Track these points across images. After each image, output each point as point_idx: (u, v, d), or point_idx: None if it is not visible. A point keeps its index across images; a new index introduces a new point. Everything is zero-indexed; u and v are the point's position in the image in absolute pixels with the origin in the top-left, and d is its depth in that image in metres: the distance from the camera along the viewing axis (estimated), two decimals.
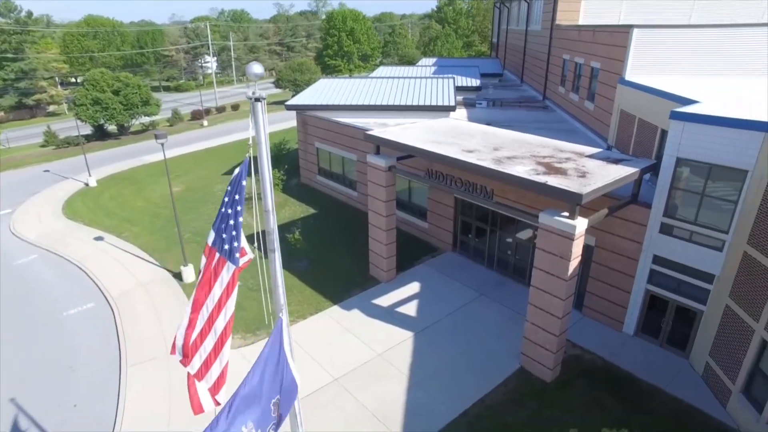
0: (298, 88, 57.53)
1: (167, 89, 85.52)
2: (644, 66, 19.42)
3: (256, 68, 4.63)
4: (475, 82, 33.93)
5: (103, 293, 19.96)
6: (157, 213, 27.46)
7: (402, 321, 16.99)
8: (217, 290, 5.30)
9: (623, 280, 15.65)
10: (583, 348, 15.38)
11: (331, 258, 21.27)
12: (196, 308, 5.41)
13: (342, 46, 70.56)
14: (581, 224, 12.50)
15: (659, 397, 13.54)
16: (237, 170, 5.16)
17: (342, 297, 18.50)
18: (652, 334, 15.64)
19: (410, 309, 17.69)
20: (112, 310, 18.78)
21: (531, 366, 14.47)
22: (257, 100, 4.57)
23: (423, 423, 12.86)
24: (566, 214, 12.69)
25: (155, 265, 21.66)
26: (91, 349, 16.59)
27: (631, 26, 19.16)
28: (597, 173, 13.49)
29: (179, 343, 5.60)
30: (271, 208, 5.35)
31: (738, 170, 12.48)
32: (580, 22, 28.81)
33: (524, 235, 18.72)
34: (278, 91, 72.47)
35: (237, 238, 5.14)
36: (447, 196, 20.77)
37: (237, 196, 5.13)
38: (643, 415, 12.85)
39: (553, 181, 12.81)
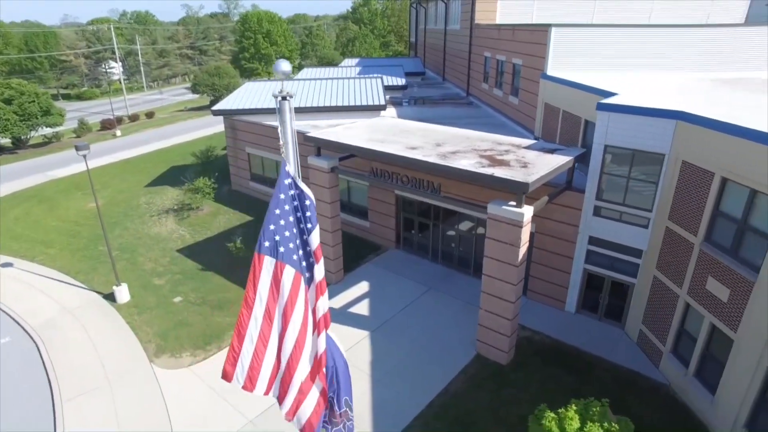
0: (217, 93, 55.34)
1: (67, 97, 78.72)
2: (564, 62, 20.82)
3: (285, 66, 4.52)
4: (401, 81, 34.55)
5: (20, 324, 18.06)
6: (76, 232, 25.28)
7: (356, 321, 16.99)
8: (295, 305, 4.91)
9: (563, 262, 16.73)
10: (532, 329, 16.25)
11: None
12: (264, 334, 4.89)
13: (259, 49, 68.81)
14: (528, 212, 13.20)
15: (603, 366, 14.65)
16: (282, 177, 4.86)
17: None
18: (592, 310, 16.87)
19: (362, 308, 17.73)
20: (34, 341, 17.06)
21: (487, 351, 15.06)
22: (284, 98, 4.46)
23: (391, 418, 12.97)
24: (513, 203, 13.34)
25: (82, 288, 19.95)
26: (14, 389, 14.94)
27: (549, 25, 20.46)
28: (537, 163, 14.30)
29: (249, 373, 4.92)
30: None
31: (656, 154, 13.80)
32: (498, 21, 30.30)
33: (466, 227, 19.41)
34: (194, 96, 69.29)
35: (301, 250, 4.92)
36: (388, 194, 21.02)
37: (296, 203, 4.87)
38: (592, 384, 13.83)
39: (499, 172, 13.42)
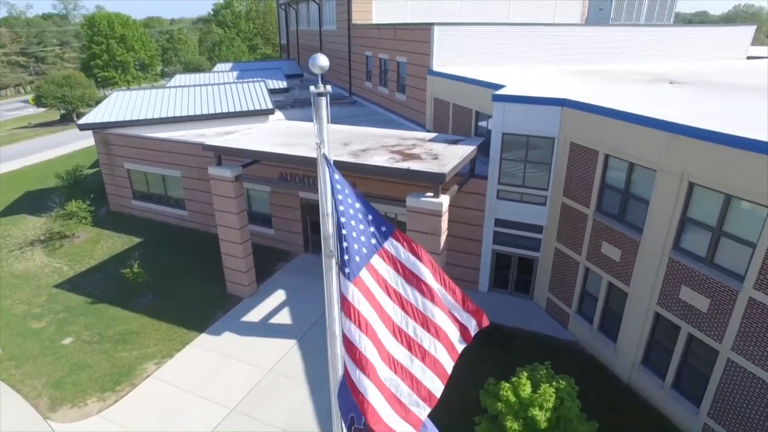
0: (70, 105, 49.14)
1: None
2: (447, 58, 22.08)
3: (323, 60, 4.22)
4: (283, 84, 33.88)
5: None
6: None
7: (280, 331, 16.40)
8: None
9: (473, 246, 17.79)
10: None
11: (180, 286, 19.18)
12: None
13: (114, 55, 62.33)
14: (445, 201, 13.83)
15: (522, 336, 15.92)
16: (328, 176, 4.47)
17: (207, 323, 16.92)
18: (503, 287, 18.19)
19: (284, 317, 17.16)
20: None
21: None
22: (320, 95, 4.16)
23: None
24: (430, 194, 13.88)
25: None
26: None
27: (432, 24, 21.53)
28: (446, 154, 15.02)
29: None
30: (330, 211, 4.84)
31: (547, 138, 15.31)
32: (374, 21, 31.09)
33: None
34: (39, 110, 60.81)
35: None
36: (292, 198, 20.54)
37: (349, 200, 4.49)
38: (516, 354, 14.95)
39: (414, 165, 13.86)
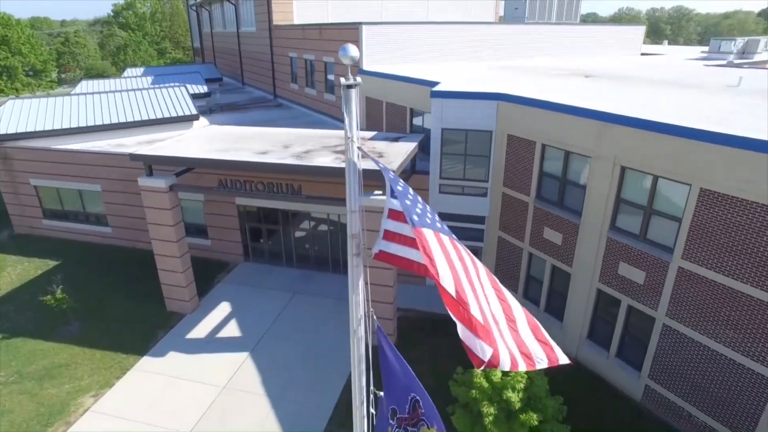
0: None
1: None
2: (377, 57, 22.24)
3: (353, 51, 3.96)
4: (204, 89, 32.37)
5: None
6: None
7: (230, 344, 15.67)
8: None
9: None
10: (404, 308, 17.22)
11: (112, 308, 17.71)
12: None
13: None
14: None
15: None
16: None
17: (148, 345, 15.78)
18: None
19: (232, 330, 16.42)
20: None
21: (374, 339, 15.44)
22: (350, 87, 3.93)
23: (306, 429, 12.47)
24: (379, 192, 13.90)
25: None
26: None
27: (359, 23, 21.57)
28: (390, 152, 15.12)
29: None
30: (358, 208, 4.54)
31: (485, 131, 15.90)
32: (295, 21, 30.62)
33: (318, 226, 19.43)
34: None
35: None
36: (229, 206, 19.70)
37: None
38: None
39: (362, 164, 13.78)
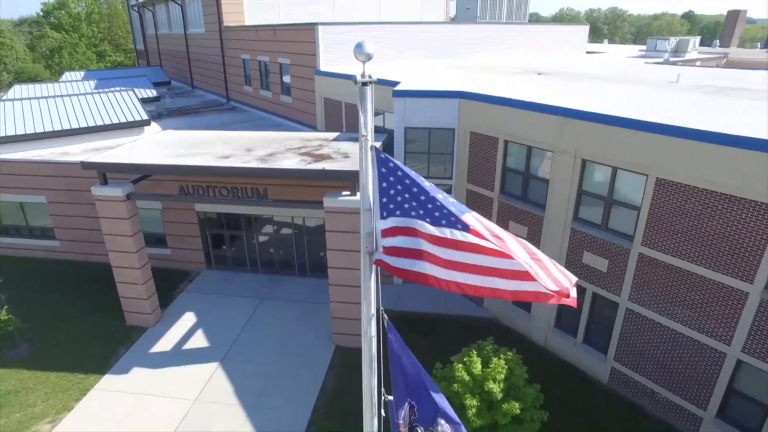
0: None
1: None
2: (334, 57, 22.14)
3: (369, 48, 3.82)
4: (152, 93, 31.15)
5: None
6: None
7: (199, 356, 15.17)
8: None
9: None
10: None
11: (65, 327, 16.72)
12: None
13: None
14: None
15: (444, 320, 16.65)
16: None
17: (109, 363, 15.01)
18: None
19: (200, 340, 15.90)
20: None
21: (346, 341, 15.40)
22: (365, 84, 3.80)
23: None
24: (347, 193, 13.86)
25: None
26: None
27: (315, 24, 21.41)
28: (355, 152, 15.08)
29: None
30: (371, 206, 4.48)
31: (448, 129, 16.16)
32: (246, 23, 30.00)
33: (282, 229, 19.12)
34: None
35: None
36: (188, 213, 19.06)
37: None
38: (442, 337, 15.63)
39: (329, 165, 13.72)
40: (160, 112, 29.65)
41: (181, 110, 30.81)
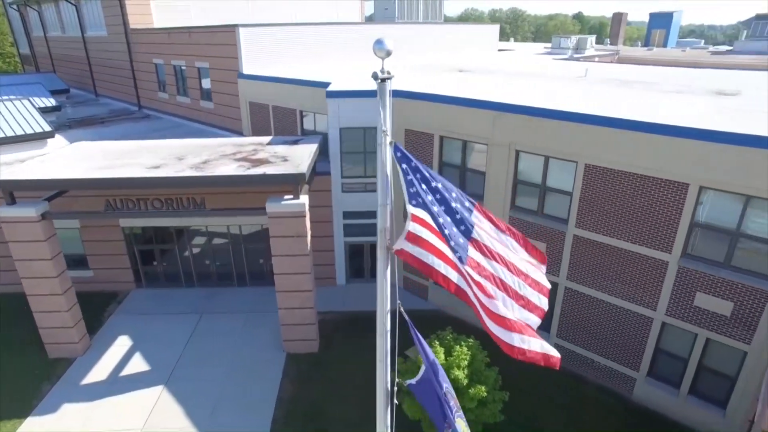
0: None
1: None
2: (257, 59, 21.57)
3: (390, 45, 3.67)
4: (51, 101, 28.38)
5: None
6: None
7: (140, 381, 14.17)
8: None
9: (326, 242, 17.99)
10: (320, 311, 17.00)
11: None
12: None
13: None
14: (306, 200, 13.73)
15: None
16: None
17: (31, 403, 13.52)
18: (359, 276, 18.86)
19: (139, 364, 14.85)
20: None
21: (297, 347, 15.12)
22: (383, 80, 3.67)
23: None
24: (290, 196, 13.61)
25: None
26: None
27: (236, 26, 20.72)
28: (293, 155, 14.84)
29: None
30: (389, 201, 4.62)
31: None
32: (156, 25, 28.35)
33: (218, 240, 18.35)
34: None
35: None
36: (112, 230, 17.70)
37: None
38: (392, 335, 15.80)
39: (270, 170, 13.38)
40: (62, 123, 27.16)
41: (86, 120, 28.40)
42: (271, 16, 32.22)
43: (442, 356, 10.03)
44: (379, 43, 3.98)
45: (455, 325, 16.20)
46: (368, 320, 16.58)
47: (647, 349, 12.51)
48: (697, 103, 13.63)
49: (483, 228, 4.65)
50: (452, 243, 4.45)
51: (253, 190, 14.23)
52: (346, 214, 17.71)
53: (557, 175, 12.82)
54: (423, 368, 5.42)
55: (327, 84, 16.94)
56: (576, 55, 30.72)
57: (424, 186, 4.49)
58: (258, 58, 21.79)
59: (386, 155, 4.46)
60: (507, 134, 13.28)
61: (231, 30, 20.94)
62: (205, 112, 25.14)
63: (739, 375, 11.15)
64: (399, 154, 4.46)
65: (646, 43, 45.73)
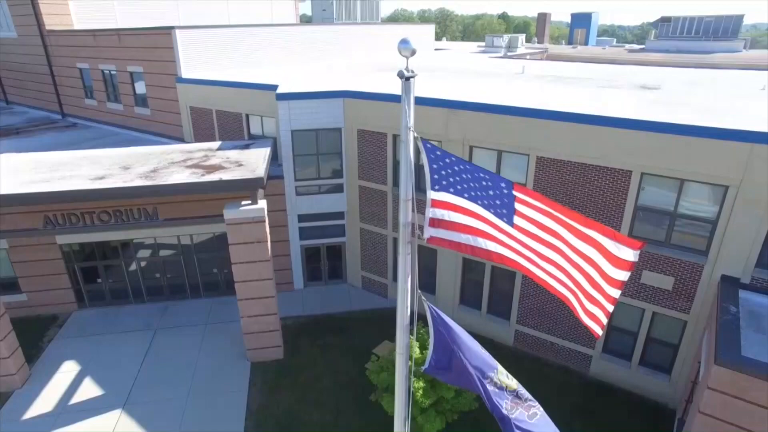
0: None
1: None
2: (195, 63, 20.82)
3: (414, 44, 3.69)
4: None
5: None
6: None
7: (94, 407, 13.30)
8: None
9: (281, 247, 17.71)
10: (282, 317, 16.78)
11: None
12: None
13: None
14: (264, 205, 13.49)
15: (353, 317, 16.90)
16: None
17: None
18: (317, 279, 18.73)
19: (91, 390, 13.92)
20: None
21: (262, 355, 14.81)
22: (408, 78, 3.69)
23: None
24: (248, 202, 13.32)
25: None
26: None
27: (171, 27, 19.89)
28: (247, 159, 14.49)
29: None
30: (411, 197, 4.76)
31: (335, 129, 16.36)
32: (76, 26, 26.61)
33: (168, 251, 17.55)
34: None
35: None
36: (47, 248, 16.47)
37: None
38: (355, 334, 15.88)
39: (226, 176, 13.01)
40: None
41: (3, 131, 26.14)
42: (202, 17, 31.18)
43: (417, 350, 10.23)
44: (404, 42, 4.11)
45: (418, 318, 16.62)
46: (331, 322, 16.65)
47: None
48: (628, 97, 14.73)
49: (527, 205, 4.59)
50: (492, 212, 4.52)
51: (209, 197, 13.76)
52: (301, 217, 17.53)
53: (510, 167, 13.40)
54: (431, 350, 5.51)
55: (275, 86, 16.67)
56: (509, 54, 32.07)
57: (449, 170, 4.63)
58: (197, 61, 21.03)
59: (410, 150, 4.58)
60: (461, 131, 13.71)
61: (167, 32, 20.07)
62: (141, 119, 23.92)
63: (681, 342, 12.21)
64: (429, 146, 4.60)
65: (570, 42, 48.58)
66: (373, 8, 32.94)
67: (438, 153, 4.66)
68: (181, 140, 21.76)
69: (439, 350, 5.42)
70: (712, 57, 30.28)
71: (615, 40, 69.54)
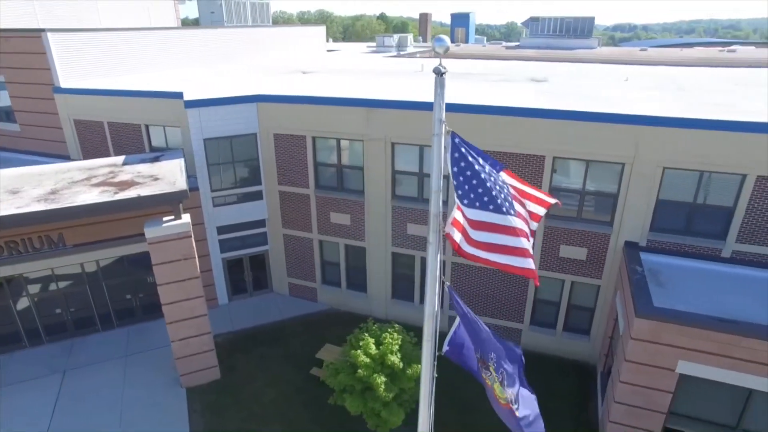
0: None
1: None
2: (74, 70, 18.85)
3: (449, 41, 3.63)
4: None
5: None
6: None
7: None
8: None
9: (203, 262, 16.65)
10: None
11: None
12: None
13: None
14: (188, 218, 12.70)
15: (286, 326, 16.54)
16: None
17: None
18: (242, 292, 17.98)
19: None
20: None
21: (198, 379, 13.94)
22: (441, 74, 3.66)
23: None
24: (170, 217, 12.45)
25: None
26: None
27: (42, 30, 17.81)
28: (162, 173, 13.49)
29: None
30: (440, 188, 4.92)
31: (249, 135, 15.84)
32: None
33: (69, 281, 15.70)
34: None
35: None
36: None
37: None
38: (292, 343, 15.58)
39: (144, 191, 12.01)
40: None
41: None
42: (63, 21, 28.06)
43: (373, 347, 10.37)
44: (439, 40, 4.25)
45: (349, 319, 16.71)
46: (263, 334, 16.14)
47: (527, 303, 14.57)
48: (525, 89, 16.15)
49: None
50: (504, 209, 4.79)
51: (125, 217, 12.62)
52: (221, 229, 16.72)
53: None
54: (453, 330, 5.76)
55: (180, 94, 15.67)
56: (402, 53, 33.18)
57: (473, 181, 4.79)
58: (75, 67, 19.01)
59: (441, 145, 4.72)
60: (381, 129, 14.03)
61: (36, 35, 17.87)
62: (8, 136, 21.00)
63: (596, 305, 13.75)
64: (457, 140, 4.71)
65: (452, 40, 51.42)
66: (263, 11, 32.10)
67: (462, 150, 4.80)
68: (67, 158, 19.52)
69: (459, 337, 5.71)
70: (575, 53, 34.02)
71: (486, 38, 75.02)
